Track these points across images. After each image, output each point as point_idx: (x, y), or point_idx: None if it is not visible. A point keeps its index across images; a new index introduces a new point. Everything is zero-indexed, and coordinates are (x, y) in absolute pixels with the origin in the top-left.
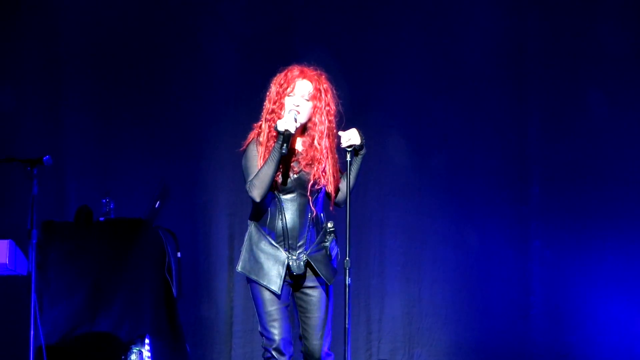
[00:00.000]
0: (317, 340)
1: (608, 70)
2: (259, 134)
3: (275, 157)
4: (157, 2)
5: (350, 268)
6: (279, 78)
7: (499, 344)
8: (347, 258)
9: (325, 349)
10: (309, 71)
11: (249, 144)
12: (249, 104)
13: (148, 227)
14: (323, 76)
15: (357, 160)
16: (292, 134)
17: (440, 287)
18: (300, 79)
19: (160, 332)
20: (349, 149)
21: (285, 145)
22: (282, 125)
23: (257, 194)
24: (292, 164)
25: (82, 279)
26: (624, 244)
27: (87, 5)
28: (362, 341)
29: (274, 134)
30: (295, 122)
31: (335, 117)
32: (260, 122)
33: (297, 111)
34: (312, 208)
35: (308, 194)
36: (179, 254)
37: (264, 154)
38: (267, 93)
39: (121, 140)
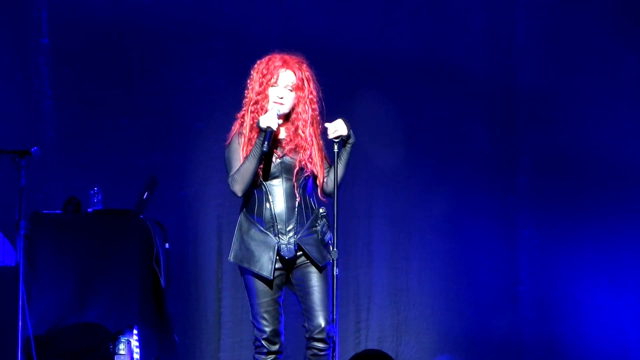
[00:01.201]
0: (320, 314)
1: (597, 59)
2: (241, 124)
3: (256, 153)
4: None
5: (338, 259)
6: (260, 67)
7: (487, 333)
8: (335, 249)
9: (329, 321)
10: (291, 60)
11: (232, 136)
12: (238, 95)
13: (136, 218)
14: (305, 64)
15: (347, 150)
16: (274, 130)
17: (428, 277)
18: (284, 69)
19: (148, 323)
20: (336, 140)
21: (267, 142)
22: (264, 122)
23: (238, 188)
24: (276, 150)
25: (70, 270)
26: (612, 234)
27: None
28: (351, 330)
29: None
30: (277, 118)
31: (318, 104)
32: (242, 112)
33: (280, 103)
34: (297, 194)
35: (294, 179)
36: (167, 245)
37: (247, 146)
38: (248, 81)
39: (109, 132)
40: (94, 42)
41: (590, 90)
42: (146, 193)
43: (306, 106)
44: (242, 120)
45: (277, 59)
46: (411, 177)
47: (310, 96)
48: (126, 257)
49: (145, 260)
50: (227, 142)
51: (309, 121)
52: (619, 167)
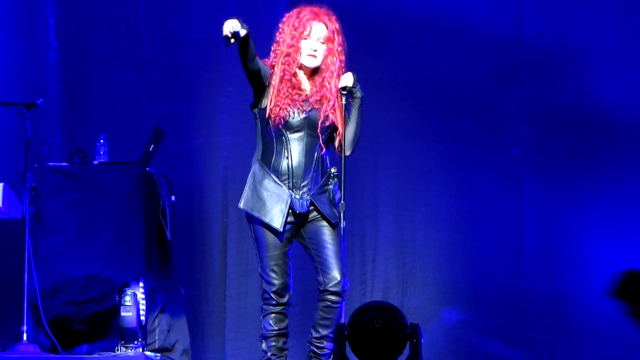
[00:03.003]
0: (335, 267)
1: (603, 13)
2: (270, 74)
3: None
4: None
5: (345, 211)
6: (291, 20)
7: (492, 286)
8: (342, 202)
9: (344, 274)
10: (321, 12)
11: None
12: None
13: (142, 171)
14: (334, 17)
15: (355, 106)
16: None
17: (434, 229)
18: (316, 22)
19: (154, 275)
20: (343, 92)
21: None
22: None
23: None
24: (301, 103)
25: (76, 222)
26: (618, 186)
27: None
28: (356, 282)
29: (289, 77)
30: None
31: (345, 56)
32: (271, 62)
33: (314, 56)
34: (322, 145)
35: (318, 131)
36: (173, 198)
37: (274, 97)
38: (278, 34)
39: (115, 84)
40: None
41: (596, 44)
42: (152, 145)
43: (334, 58)
44: (272, 70)
45: (307, 11)
46: (416, 129)
47: (339, 48)
48: (132, 209)
49: (151, 212)
50: None
51: (335, 72)
52: (625, 120)
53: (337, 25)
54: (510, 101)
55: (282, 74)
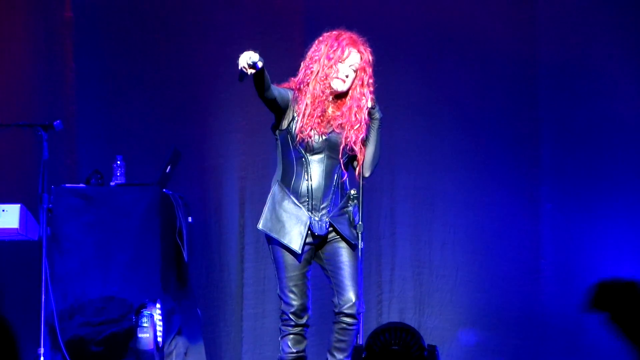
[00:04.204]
0: (351, 289)
1: (621, 30)
2: (299, 91)
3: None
4: None
5: (363, 232)
6: (329, 40)
7: (509, 306)
8: (360, 222)
9: (359, 296)
10: (359, 42)
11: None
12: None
13: (159, 192)
14: (369, 49)
15: (374, 126)
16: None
17: (451, 250)
18: (354, 49)
19: (171, 296)
20: None
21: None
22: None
23: None
24: (323, 125)
25: (93, 244)
26: (636, 206)
27: None
28: (373, 302)
29: (324, 98)
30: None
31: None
32: (304, 80)
33: (343, 81)
34: (344, 170)
35: (340, 156)
36: (190, 219)
37: (303, 118)
38: (312, 52)
39: (132, 104)
40: (117, 15)
41: (613, 63)
42: (169, 166)
43: (364, 89)
44: (298, 90)
45: (346, 36)
46: (433, 148)
47: (370, 80)
48: (149, 230)
49: (168, 233)
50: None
51: (364, 105)
52: None
53: (370, 58)
54: (527, 121)
55: (319, 93)
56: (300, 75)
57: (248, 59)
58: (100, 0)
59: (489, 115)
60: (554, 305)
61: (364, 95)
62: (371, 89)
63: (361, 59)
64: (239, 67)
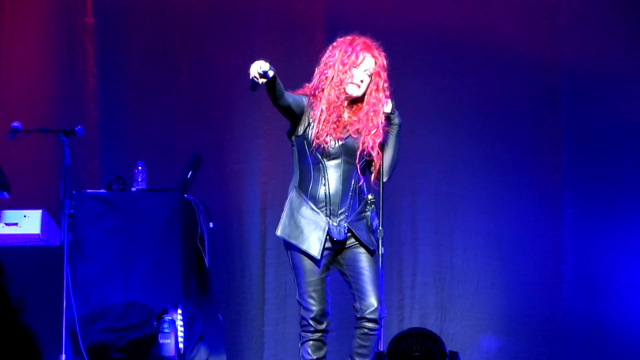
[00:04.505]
0: (372, 294)
1: (638, 40)
2: (314, 96)
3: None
4: None
5: (383, 237)
6: (343, 46)
7: (531, 312)
8: (381, 227)
9: (381, 301)
10: (373, 47)
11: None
12: (281, 71)
13: (180, 198)
14: (383, 53)
15: (393, 133)
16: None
17: (472, 255)
18: (369, 54)
19: (192, 302)
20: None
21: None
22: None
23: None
24: (340, 130)
25: (114, 249)
26: None
27: None
28: (394, 308)
29: (339, 103)
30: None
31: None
32: (319, 86)
33: (358, 86)
34: (360, 175)
35: (357, 161)
36: (211, 225)
37: (319, 124)
38: (327, 57)
39: (153, 110)
40: (138, 20)
41: (634, 69)
42: (190, 172)
43: (380, 94)
44: (313, 95)
45: (361, 41)
46: (454, 154)
47: (385, 84)
48: (170, 236)
49: (189, 239)
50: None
51: (380, 109)
52: None
53: (385, 62)
54: (548, 126)
55: (334, 99)
56: (315, 81)
57: (258, 68)
58: (122, 6)
59: (510, 121)
60: (576, 311)
61: (380, 100)
62: (387, 93)
63: (376, 63)
64: (250, 77)
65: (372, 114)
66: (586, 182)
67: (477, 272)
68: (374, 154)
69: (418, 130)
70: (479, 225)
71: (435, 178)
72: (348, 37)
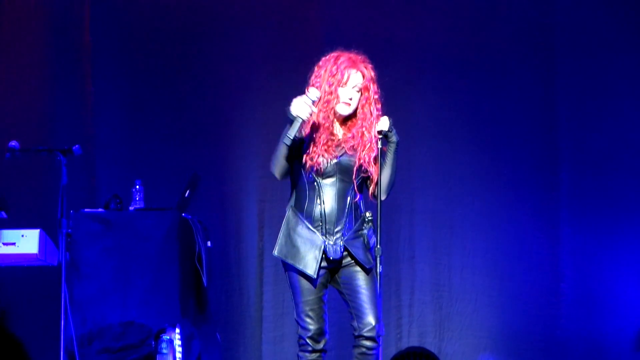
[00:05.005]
0: (370, 313)
1: (637, 58)
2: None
3: (285, 140)
4: None
5: (381, 256)
6: (328, 66)
7: (529, 330)
8: (379, 246)
9: (379, 320)
10: (359, 61)
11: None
12: (279, 90)
13: (178, 217)
14: (370, 65)
15: (390, 151)
16: (304, 121)
17: (470, 273)
18: (354, 70)
19: (190, 321)
20: (379, 136)
21: (294, 133)
22: (295, 111)
23: (275, 172)
24: (334, 149)
25: (112, 269)
26: None
27: None
28: (393, 326)
29: (328, 125)
30: (310, 108)
31: (381, 103)
32: None
33: (348, 104)
34: (356, 190)
35: (353, 178)
36: (209, 243)
37: (310, 146)
38: (314, 77)
39: (151, 129)
40: (137, 39)
41: (633, 86)
42: (188, 191)
43: (371, 107)
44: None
45: (345, 57)
46: (452, 172)
47: (376, 96)
48: (168, 255)
49: (187, 258)
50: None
51: (373, 122)
52: None
53: (372, 74)
54: (546, 144)
55: (323, 121)
56: None
57: (305, 103)
58: (119, 25)
59: (508, 139)
60: (574, 329)
61: (372, 113)
62: (378, 105)
63: (363, 77)
64: (293, 114)
65: (367, 127)
66: (584, 200)
67: (475, 290)
68: (371, 169)
69: (415, 148)
70: (477, 243)
71: (432, 196)
72: (333, 54)
